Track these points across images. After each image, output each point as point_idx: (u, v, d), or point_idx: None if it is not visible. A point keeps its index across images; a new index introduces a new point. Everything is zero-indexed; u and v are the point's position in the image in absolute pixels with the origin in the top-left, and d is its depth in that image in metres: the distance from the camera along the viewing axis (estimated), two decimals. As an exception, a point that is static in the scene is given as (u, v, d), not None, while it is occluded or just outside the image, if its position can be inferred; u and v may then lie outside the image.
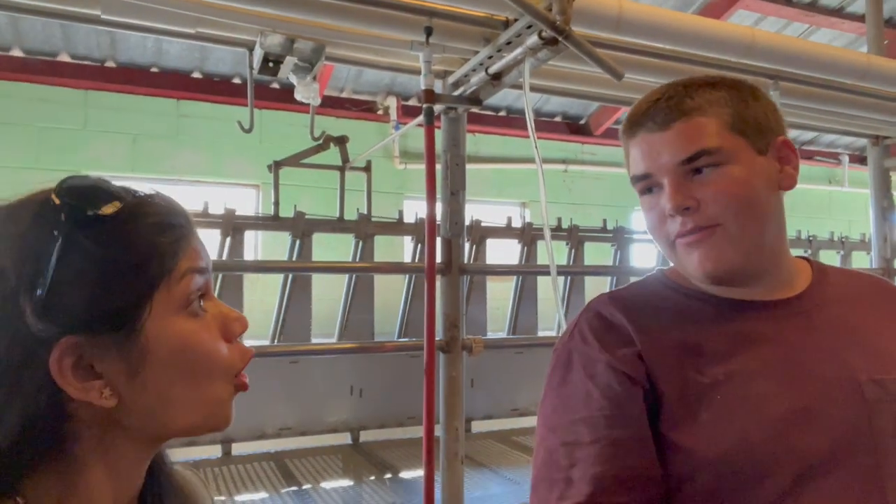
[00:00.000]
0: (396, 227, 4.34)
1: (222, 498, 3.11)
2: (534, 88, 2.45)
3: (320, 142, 3.59)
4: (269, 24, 2.07)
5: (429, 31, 1.97)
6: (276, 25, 2.09)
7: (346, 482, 3.42)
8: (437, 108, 2.30)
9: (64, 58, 5.49)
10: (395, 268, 4.25)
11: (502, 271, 4.98)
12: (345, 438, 4.09)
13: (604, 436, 0.72)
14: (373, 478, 3.47)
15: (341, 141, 3.99)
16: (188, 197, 5.60)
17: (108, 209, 0.50)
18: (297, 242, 3.98)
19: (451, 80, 2.35)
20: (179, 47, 5.49)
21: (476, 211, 4.97)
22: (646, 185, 0.81)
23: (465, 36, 2.06)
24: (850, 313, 0.81)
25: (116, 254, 0.49)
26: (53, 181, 0.51)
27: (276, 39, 2.12)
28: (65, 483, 0.50)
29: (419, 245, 4.31)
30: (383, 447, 3.96)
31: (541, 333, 4.75)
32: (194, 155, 5.99)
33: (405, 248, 5.36)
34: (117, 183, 0.54)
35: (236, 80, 5.97)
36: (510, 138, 7.00)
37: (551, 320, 5.20)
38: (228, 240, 3.82)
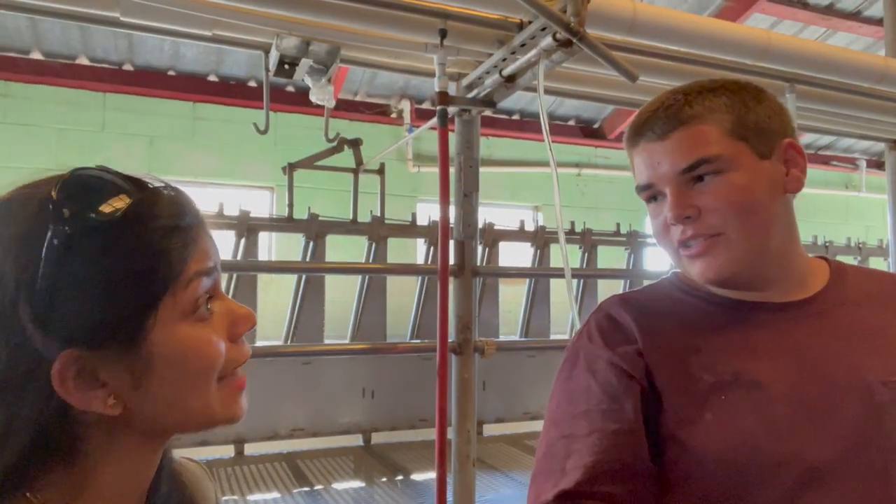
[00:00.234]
0: (409, 229, 4.35)
1: (235, 497, 3.13)
2: (548, 91, 2.45)
3: (334, 144, 3.61)
4: (285, 26, 2.09)
5: (443, 34, 1.97)
6: (291, 28, 2.10)
7: (357, 483, 3.43)
8: (451, 110, 2.30)
9: (83, 60, 5.56)
10: (408, 269, 4.26)
11: (515, 273, 4.97)
12: (357, 440, 4.10)
13: (599, 428, 0.73)
14: (384, 479, 3.47)
15: (355, 143, 4.01)
16: (203, 199, 5.65)
17: (112, 212, 0.47)
18: (311, 244, 4.01)
19: (464, 82, 2.35)
20: (196, 50, 5.55)
21: (489, 214, 4.97)
22: (650, 194, 0.82)
23: (479, 38, 2.07)
24: (867, 314, 0.80)
25: (120, 262, 0.47)
26: (59, 169, 0.50)
27: (291, 42, 2.14)
28: (74, 480, 0.49)
29: (432, 248, 4.32)
30: (395, 449, 3.97)
31: (553, 336, 4.74)
32: (210, 157, 6.04)
33: (418, 251, 5.37)
34: (126, 174, 0.51)
35: (252, 84, 6.02)
36: (524, 142, 7.00)
37: (564, 324, 5.18)
38: (243, 241, 3.85)
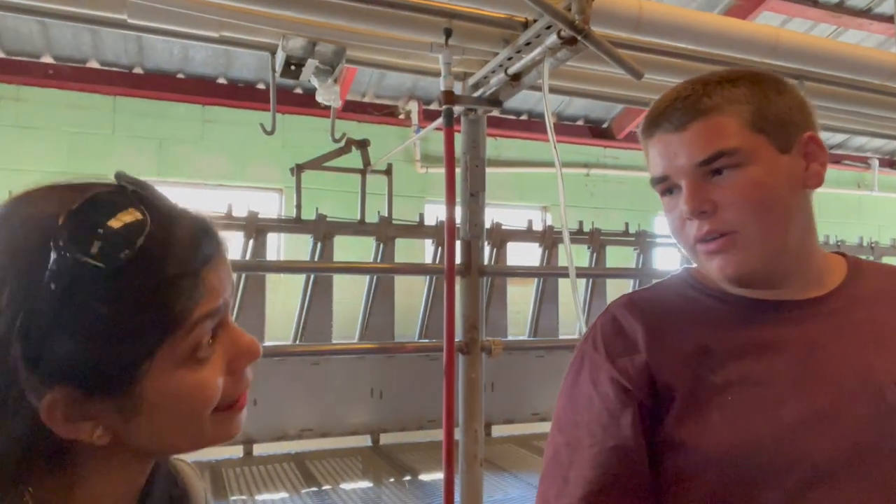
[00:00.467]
0: (417, 229, 4.35)
1: (243, 497, 3.14)
2: (554, 89, 2.45)
3: (342, 144, 3.62)
4: (291, 27, 2.10)
5: (448, 33, 1.98)
6: (297, 29, 2.11)
7: (365, 484, 3.43)
8: (457, 109, 2.30)
9: (93, 64, 5.61)
10: (415, 269, 4.27)
11: (522, 273, 4.97)
12: (365, 440, 4.11)
13: (599, 441, 0.75)
14: (392, 480, 3.48)
15: (362, 144, 4.02)
16: (213, 201, 5.69)
17: (120, 259, 0.43)
18: (319, 245, 4.02)
19: (470, 81, 2.35)
20: (205, 53, 5.58)
21: (497, 215, 4.96)
22: (665, 186, 0.80)
23: (484, 37, 2.07)
24: (883, 312, 0.78)
25: (122, 313, 0.44)
26: (68, 176, 0.48)
27: (297, 43, 2.15)
28: (67, 485, 0.49)
29: (440, 248, 4.32)
30: (403, 450, 3.97)
31: (562, 337, 4.72)
32: (219, 159, 6.07)
33: (426, 252, 5.37)
34: (144, 191, 0.48)
35: (260, 86, 6.05)
36: (531, 142, 6.98)
37: (572, 324, 5.16)
38: (252, 242, 3.86)
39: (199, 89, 5.94)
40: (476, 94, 2.33)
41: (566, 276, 1.95)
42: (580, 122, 7.38)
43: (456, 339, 2.31)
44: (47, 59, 5.45)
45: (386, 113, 6.52)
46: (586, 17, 1.67)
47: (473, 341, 2.39)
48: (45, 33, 5.18)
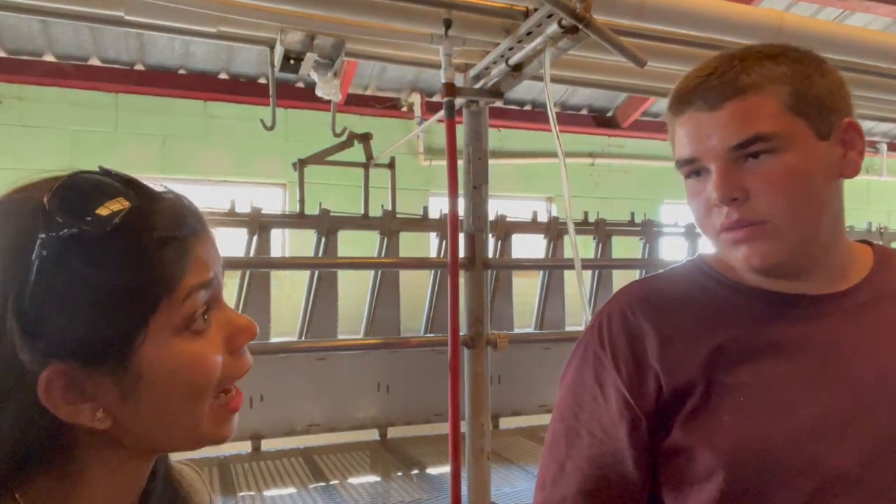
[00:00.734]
0: (421, 223, 4.34)
1: (252, 493, 3.15)
2: (556, 79, 2.42)
3: (344, 139, 3.60)
4: (289, 21, 2.08)
5: (448, 24, 1.95)
6: (296, 22, 2.09)
7: (373, 478, 3.43)
8: (459, 101, 2.28)
9: (94, 62, 5.60)
10: (419, 263, 4.26)
11: (527, 266, 4.95)
12: (372, 435, 4.11)
13: (598, 441, 0.77)
14: (400, 474, 3.48)
15: (365, 138, 4.00)
16: (216, 197, 5.69)
17: (106, 221, 0.45)
18: (323, 240, 4.01)
19: (472, 73, 2.33)
20: (206, 49, 5.56)
21: (502, 207, 4.93)
22: (692, 168, 0.74)
23: (484, 27, 2.04)
24: None
25: (112, 276, 0.45)
26: (58, 171, 0.48)
27: (296, 36, 2.13)
28: (65, 486, 0.49)
29: (444, 241, 4.30)
30: (410, 443, 3.97)
31: (568, 329, 4.70)
32: (222, 155, 6.07)
33: (431, 245, 5.35)
34: (126, 176, 0.49)
35: (262, 81, 6.03)
36: (536, 133, 6.94)
37: (579, 315, 5.15)
38: (255, 238, 3.85)
39: (201, 85, 5.93)
40: (478, 86, 2.31)
41: (572, 267, 1.93)
42: (584, 112, 7.33)
43: (461, 333, 2.29)
44: (49, 58, 5.45)
45: (388, 106, 6.49)
46: (587, 4, 1.65)
47: (478, 335, 2.38)
48: (45, 32, 5.17)
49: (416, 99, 6.42)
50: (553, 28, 1.76)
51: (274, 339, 3.77)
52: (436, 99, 6.40)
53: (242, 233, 3.83)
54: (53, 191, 0.45)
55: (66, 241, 0.44)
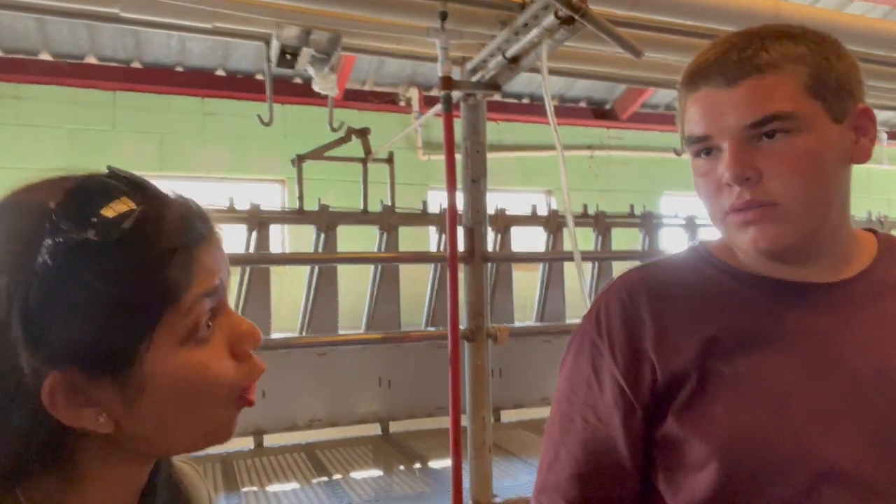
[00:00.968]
0: (420, 217, 4.33)
1: (255, 489, 3.15)
2: (553, 71, 2.41)
3: (342, 134, 3.59)
4: (285, 16, 2.07)
5: (444, 16, 1.95)
6: (291, 17, 2.09)
7: (375, 472, 3.44)
8: (456, 95, 2.28)
9: (91, 60, 5.58)
10: (419, 257, 4.25)
11: (526, 259, 4.94)
12: (374, 429, 4.11)
13: (591, 426, 0.78)
14: (402, 467, 3.48)
15: (363, 133, 3.99)
16: (215, 194, 5.68)
17: (112, 229, 0.44)
18: (322, 236, 4.00)
19: (469, 66, 2.32)
20: (203, 46, 5.55)
21: (502, 200, 4.93)
22: (703, 146, 0.73)
23: (481, 20, 2.04)
24: None
25: (117, 286, 0.44)
26: (61, 170, 0.48)
27: (292, 31, 2.12)
28: (66, 485, 0.49)
29: (443, 235, 4.30)
30: (413, 437, 3.97)
31: (569, 321, 4.70)
32: (220, 152, 6.05)
33: (430, 240, 5.35)
34: (134, 179, 0.49)
35: (259, 77, 6.01)
36: (534, 125, 6.92)
37: (579, 308, 5.14)
38: (254, 234, 3.85)
39: (198, 82, 5.92)
40: (475, 79, 2.30)
41: (571, 260, 1.93)
42: (583, 104, 7.32)
43: (461, 327, 2.29)
44: (45, 56, 5.43)
45: (386, 101, 6.48)
46: (584, -5, 1.64)
47: (478, 328, 2.38)
48: (41, 30, 5.15)
49: (413, 93, 6.41)
50: (550, 19, 1.75)
51: (275, 336, 3.77)
52: (434, 93, 6.38)
53: (242, 229, 3.83)
54: (61, 196, 0.45)
55: (71, 249, 0.43)
